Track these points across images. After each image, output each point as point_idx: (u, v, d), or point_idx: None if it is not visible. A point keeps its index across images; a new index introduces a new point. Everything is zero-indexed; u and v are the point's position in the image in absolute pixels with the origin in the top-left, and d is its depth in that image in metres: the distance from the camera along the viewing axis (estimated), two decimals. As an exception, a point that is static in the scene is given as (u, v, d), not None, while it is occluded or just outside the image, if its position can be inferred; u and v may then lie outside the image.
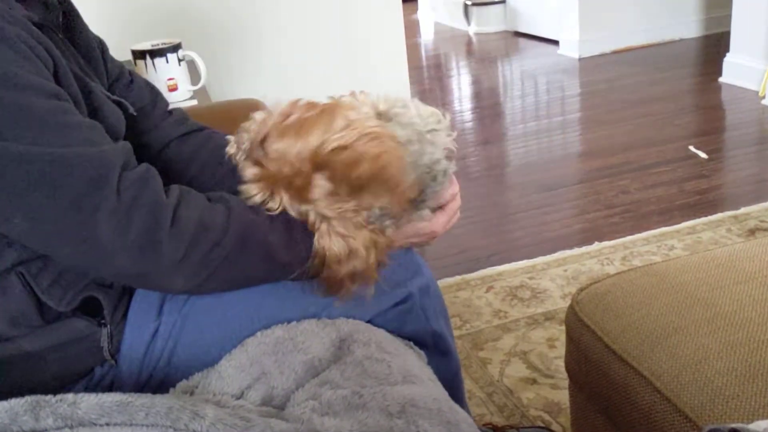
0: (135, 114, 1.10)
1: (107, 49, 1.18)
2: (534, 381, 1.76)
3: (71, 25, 1.06)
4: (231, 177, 1.15)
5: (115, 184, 0.83)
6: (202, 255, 0.88)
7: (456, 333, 1.98)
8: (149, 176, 0.88)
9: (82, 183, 0.81)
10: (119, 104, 1.06)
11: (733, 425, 0.62)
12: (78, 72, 0.96)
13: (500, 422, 1.61)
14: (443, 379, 1.08)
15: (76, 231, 0.82)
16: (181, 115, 1.25)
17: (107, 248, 0.83)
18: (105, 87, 1.10)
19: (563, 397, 1.65)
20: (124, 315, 1.01)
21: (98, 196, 0.82)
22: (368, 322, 1.06)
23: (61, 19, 1.02)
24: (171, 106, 1.27)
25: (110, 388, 0.98)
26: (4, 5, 0.85)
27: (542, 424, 1.62)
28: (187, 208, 0.88)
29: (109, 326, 0.97)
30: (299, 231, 0.95)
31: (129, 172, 0.86)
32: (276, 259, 0.94)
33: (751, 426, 0.63)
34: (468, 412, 1.25)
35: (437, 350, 1.13)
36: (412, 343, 1.07)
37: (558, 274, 2.23)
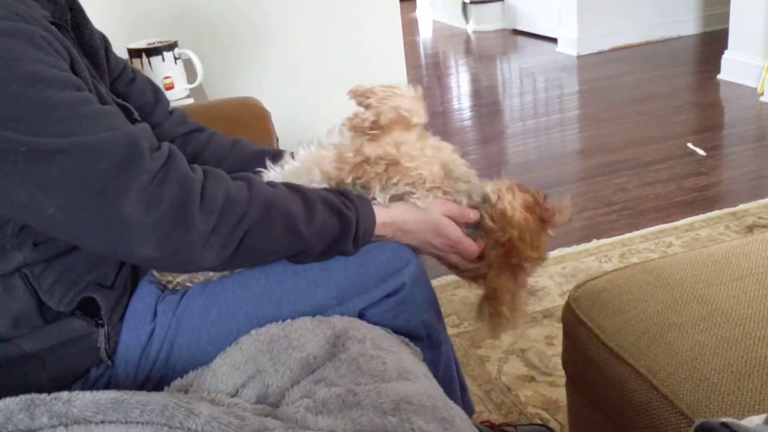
0: (139, 119, 1.11)
1: (110, 46, 1.18)
2: (532, 379, 1.76)
3: (77, 23, 1.07)
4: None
5: (145, 164, 0.85)
6: (230, 226, 0.89)
7: (454, 331, 1.98)
8: (174, 153, 0.90)
9: (113, 167, 0.83)
10: (123, 108, 1.07)
11: (724, 419, 0.62)
12: (87, 72, 0.97)
13: (498, 420, 1.61)
14: (435, 370, 1.09)
15: (108, 214, 0.84)
16: (181, 114, 1.28)
17: (138, 226, 0.84)
18: (107, 86, 1.11)
19: (561, 394, 1.65)
20: (122, 317, 1.01)
21: (128, 177, 0.84)
22: (362, 314, 1.06)
23: (69, 18, 1.02)
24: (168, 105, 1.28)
25: (106, 388, 0.98)
26: (22, 6, 0.87)
27: (540, 422, 1.62)
28: (213, 183, 0.90)
29: (106, 327, 0.97)
30: (318, 209, 0.98)
31: (156, 152, 0.88)
32: (297, 230, 0.96)
33: (743, 421, 0.62)
34: (469, 403, 1.26)
35: (429, 340, 1.13)
36: (407, 340, 1.07)
37: (556, 272, 2.23)
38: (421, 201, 1.07)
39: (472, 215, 1.11)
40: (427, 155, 1.09)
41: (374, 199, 1.07)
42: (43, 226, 0.87)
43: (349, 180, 1.07)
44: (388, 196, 1.07)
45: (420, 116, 1.11)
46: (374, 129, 1.07)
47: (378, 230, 1.05)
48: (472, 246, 1.11)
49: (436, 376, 1.09)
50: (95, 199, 0.83)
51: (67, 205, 0.83)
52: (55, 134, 0.81)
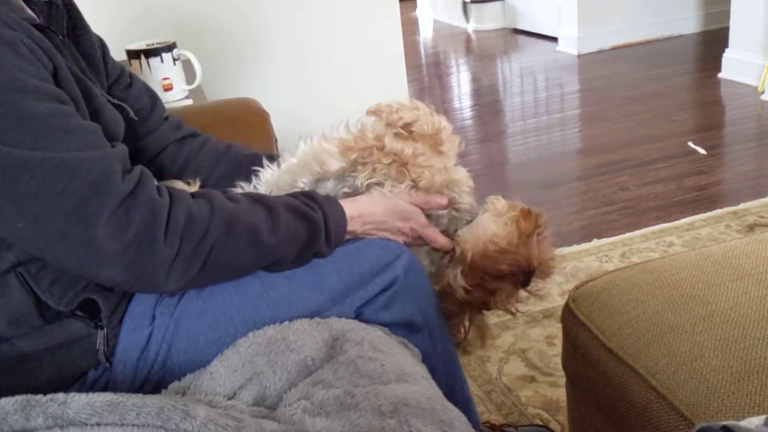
0: (135, 118, 1.12)
1: (108, 50, 1.18)
2: (532, 379, 1.76)
3: (75, 26, 1.07)
4: (223, 181, 1.17)
5: (116, 187, 0.85)
6: (193, 246, 0.89)
7: (454, 331, 1.97)
8: (144, 178, 0.90)
9: (85, 187, 0.83)
10: (119, 108, 1.07)
11: (725, 423, 0.62)
12: (79, 74, 0.97)
13: (498, 420, 1.61)
14: (435, 357, 1.10)
15: (77, 235, 0.83)
16: (176, 120, 1.28)
17: (106, 250, 0.84)
18: (105, 89, 1.11)
19: (561, 394, 1.64)
20: (121, 319, 1.01)
21: (99, 201, 0.83)
22: (359, 312, 1.06)
23: (65, 21, 1.02)
24: (166, 106, 1.30)
25: (103, 391, 0.98)
26: (5, 9, 0.86)
27: (540, 423, 1.62)
28: (176, 205, 0.90)
29: (105, 329, 0.97)
30: (282, 217, 0.98)
31: (127, 175, 0.88)
32: (262, 241, 0.96)
33: (743, 423, 0.62)
34: (468, 396, 1.25)
35: (428, 328, 1.13)
36: (406, 341, 1.07)
37: (556, 272, 2.21)
38: (388, 189, 1.09)
39: (438, 201, 1.12)
40: (435, 166, 1.10)
41: (354, 183, 1.09)
42: (13, 238, 0.87)
43: (352, 156, 1.08)
44: (366, 183, 1.08)
45: (453, 147, 1.14)
46: (404, 130, 1.09)
47: (347, 225, 1.05)
48: (437, 235, 1.13)
49: (436, 364, 1.10)
50: (65, 219, 0.82)
51: (36, 221, 0.82)
52: (27, 146, 0.80)
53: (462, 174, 1.15)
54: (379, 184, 1.09)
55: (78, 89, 0.93)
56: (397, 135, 1.10)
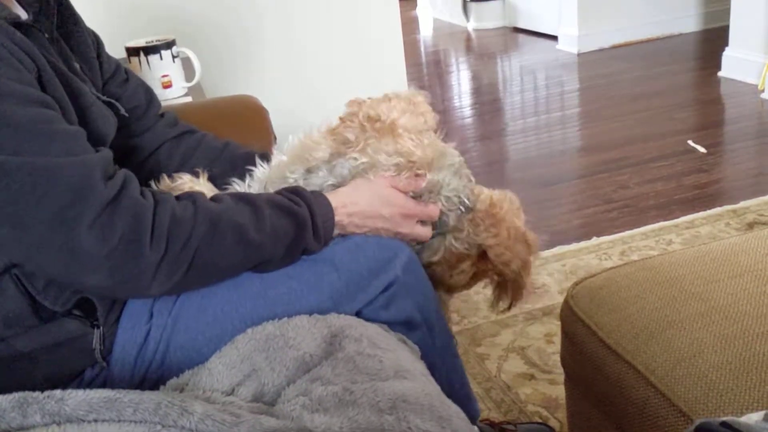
0: (126, 115, 1.11)
1: (102, 46, 1.18)
2: (532, 377, 1.76)
3: (66, 22, 1.06)
4: (219, 179, 1.17)
5: (97, 194, 0.84)
6: (178, 248, 0.89)
7: (454, 329, 1.97)
8: (128, 182, 0.89)
9: (66, 193, 0.82)
10: (110, 105, 1.06)
11: (724, 419, 0.62)
12: (67, 73, 0.95)
13: (498, 418, 1.61)
14: (434, 350, 1.10)
15: (59, 241, 0.82)
16: (172, 117, 1.27)
17: (90, 257, 0.83)
18: (99, 86, 1.10)
19: (561, 392, 1.64)
20: (118, 318, 1.01)
21: (81, 207, 0.82)
22: (358, 312, 1.06)
23: (56, 18, 1.01)
24: (165, 103, 1.28)
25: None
26: None
27: (540, 420, 1.62)
28: (161, 208, 0.90)
29: (102, 328, 0.97)
30: (266, 214, 0.97)
31: (109, 181, 0.87)
32: (248, 240, 0.95)
33: (742, 419, 0.62)
34: (467, 390, 1.25)
35: (426, 324, 1.13)
36: (405, 338, 1.07)
37: (556, 269, 2.22)
38: (369, 174, 1.09)
39: (420, 183, 1.11)
40: (423, 141, 1.11)
41: (342, 172, 1.09)
42: None
43: (339, 128, 1.09)
44: (360, 162, 1.08)
45: (430, 117, 1.14)
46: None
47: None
48: (427, 207, 1.12)
49: (435, 360, 1.10)
50: (46, 225, 0.82)
51: (18, 227, 0.82)
52: (7, 151, 0.80)
53: (449, 149, 1.16)
54: (372, 167, 1.09)
55: (64, 90, 0.92)
56: (376, 100, 1.13)
